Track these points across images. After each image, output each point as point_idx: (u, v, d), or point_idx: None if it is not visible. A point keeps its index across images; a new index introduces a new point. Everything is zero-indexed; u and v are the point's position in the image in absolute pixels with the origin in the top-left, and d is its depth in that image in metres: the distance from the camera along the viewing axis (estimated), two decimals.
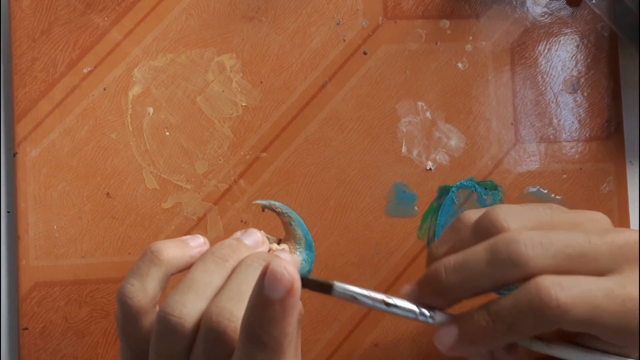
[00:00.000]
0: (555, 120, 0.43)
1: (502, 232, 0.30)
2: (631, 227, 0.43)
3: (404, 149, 0.43)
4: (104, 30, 0.43)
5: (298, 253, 0.35)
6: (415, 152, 0.43)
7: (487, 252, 0.30)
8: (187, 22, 0.43)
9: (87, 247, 0.42)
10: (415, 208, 0.43)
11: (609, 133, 0.44)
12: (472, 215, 0.33)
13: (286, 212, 0.36)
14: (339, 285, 0.30)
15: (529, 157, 0.43)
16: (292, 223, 0.36)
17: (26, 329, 0.41)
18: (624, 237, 0.30)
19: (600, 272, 0.29)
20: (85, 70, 0.43)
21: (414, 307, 0.31)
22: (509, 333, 0.29)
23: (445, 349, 0.30)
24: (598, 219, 0.32)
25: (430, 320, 0.31)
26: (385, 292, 0.42)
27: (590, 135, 0.43)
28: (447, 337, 0.30)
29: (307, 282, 0.31)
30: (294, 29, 0.43)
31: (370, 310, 0.42)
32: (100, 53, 0.43)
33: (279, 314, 0.26)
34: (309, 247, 0.35)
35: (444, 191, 0.43)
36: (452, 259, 0.31)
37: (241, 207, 0.42)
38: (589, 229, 0.31)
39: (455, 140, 0.43)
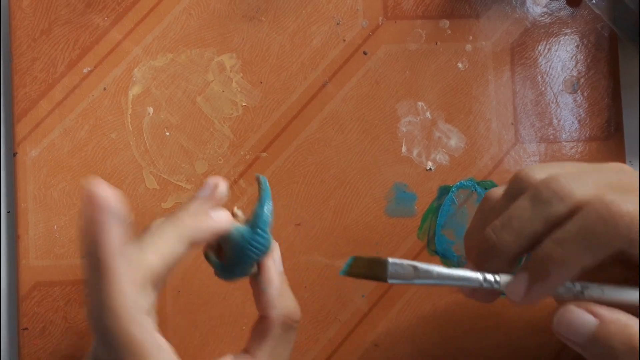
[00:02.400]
0: (555, 120, 0.43)
1: (535, 183, 0.30)
2: None
3: (404, 149, 0.43)
4: (104, 30, 0.43)
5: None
6: (415, 152, 0.43)
7: (530, 199, 0.29)
8: (187, 22, 0.43)
9: None
10: (415, 208, 0.43)
11: (608, 133, 0.44)
12: (498, 190, 0.32)
13: (263, 187, 0.35)
14: (393, 260, 0.29)
15: (529, 157, 0.43)
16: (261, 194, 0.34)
17: (26, 329, 0.41)
18: None
19: None
20: (85, 70, 0.43)
21: (478, 275, 0.29)
22: (582, 256, 0.28)
23: (520, 298, 0.29)
24: (621, 166, 0.31)
25: (496, 285, 0.29)
26: (385, 292, 0.42)
27: (590, 135, 0.44)
28: (518, 286, 0.29)
29: (357, 263, 0.31)
30: (294, 28, 0.43)
31: (370, 310, 0.42)
32: (100, 53, 0.43)
33: (91, 228, 0.27)
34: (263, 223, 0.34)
35: (444, 191, 0.43)
36: (497, 221, 0.30)
37: (241, 207, 0.42)
38: (613, 169, 0.30)
39: (455, 140, 0.43)
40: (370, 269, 0.30)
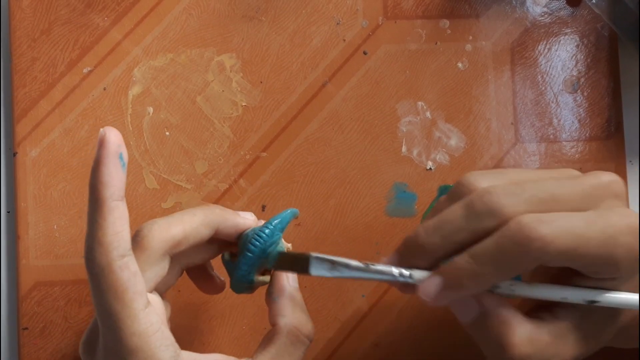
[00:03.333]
0: (555, 120, 0.43)
1: (475, 191, 0.30)
2: None
3: (404, 149, 0.43)
4: (104, 30, 0.43)
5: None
6: (415, 152, 0.43)
7: (463, 207, 0.30)
8: (187, 22, 0.43)
9: None
10: (415, 208, 0.43)
11: (609, 133, 0.44)
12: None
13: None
14: (315, 255, 0.30)
15: (529, 157, 0.43)
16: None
17: (26, 328, 0.41)
18: (597, 178, 0.30)
19: (577, 211, 0.30)
20: (85, 70, 0.43)
21: (392, 269, 0.31)
22: (493, 274, 0.29)
23: (431, 299, 0.30)
24: (571, 171, 0.32)
25: (410, 280, 0.31)
26: (386, 292, 0.42)
27: (591, 135, 0.44)
28: (431, 287, 0.30)
29: (284, 258, 0.33)
30: (293, 28, 0.43)
31: (371, 310, 0.42)
32: (100, 53, 0.43)
33: (95, 163, 0.29)
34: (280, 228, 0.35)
35: (444, 191, 0.43)
36: (430, 221, 0.31)
37: (241, 207, 0.42)
38: (560, 177, 0.31)
39: (455, 140, 0.43)
40: (294, 264, 0.32)
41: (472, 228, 0.30)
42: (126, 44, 0.43)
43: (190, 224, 0.33)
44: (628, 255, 0.29)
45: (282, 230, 0.35)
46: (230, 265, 0.35)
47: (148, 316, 0.30)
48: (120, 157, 0.30)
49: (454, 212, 0.30)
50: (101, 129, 0.30)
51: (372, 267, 0.31)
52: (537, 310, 0.32)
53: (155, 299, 0.32)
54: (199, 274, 0.37)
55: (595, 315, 0.31)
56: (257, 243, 0.34)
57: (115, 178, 0.29)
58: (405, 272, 0.31)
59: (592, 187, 0.30)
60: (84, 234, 0.41)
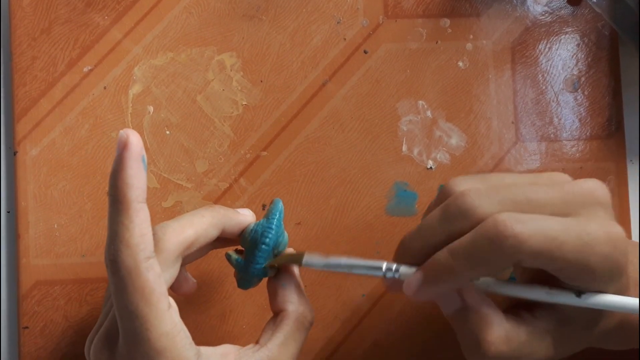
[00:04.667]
0: (555, 119, 0.43)
1: (452, 195, 0.31)
2: (632, 226, 0.43)
3: (404, 148, 0.43)
4: (104, 29, 0.43)
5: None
6: (415, 151, 0.43)
7: (440, 211, 0.31)
8: (187, 21, 0.43)
9: (88, 245, 0.42)
10: (416, 207, 0.43)
11: (609, 132, 0.44)
12: None
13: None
14: (309, 255, 0.34)
15: (530, 156, 0.43)
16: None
17: (26, 327, 0.41)
18: (578, 185, 0.30)
19: (555, 216, 0.30)
20: (85, 69, 0.43)
21: (381, 264, 0.32)
22: (468, 269, 0.29)
23: (412, 294, 0.31)
24: (557, 176, 0.32)
25: (396, 275, 0.32)
26: (386, 292, 0.42)
27: (591, 134, 0.43)
28: (412, 282, 0.31)
29: (281, 258, 0.35)
30: (294, 27, 0.43)
31: (371, 309, 0.42)
32: (100, 52, 0.43)
33: (119, 165, 0.30)
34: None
35: None
36: (414, 227, 0.32)
37: (241, 206, 0.42)
38: (542, 183, 0.31)
39: (455, 139, 0.43)
40: (289, 260, 0.35)
41: (447, 230, 0.30)
42: (126, 42, 0.43)
43: (200, 225, 0.34)
44: (603, 264, 0.29)
45: (282, 218, 0.37)
46: (240, 263, 0.36)
47: (172, 317, 0.31)
48: (143, 160, 0.31)
49: (432, 216, 0.31)
50: (121, 131, 0.30)
51: (358, 264, 0.33)
52: (518, 309, 0.32)
53: (173, 303, 0.33)
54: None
55: (574, 321, 0.31)
56: (270, 236, 0.35)
57: (140, 180, 0.30)
58: (392, 266, 0.32)
59: (573, 194, 0.30)
60: (84, 233, 0.42)
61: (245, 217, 0.36)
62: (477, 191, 0.30)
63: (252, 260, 0.35)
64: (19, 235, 0.42)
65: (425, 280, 0.31)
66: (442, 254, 0.30)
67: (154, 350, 0.30)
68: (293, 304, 0.35)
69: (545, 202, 0.30)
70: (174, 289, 0.38)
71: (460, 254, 0.29)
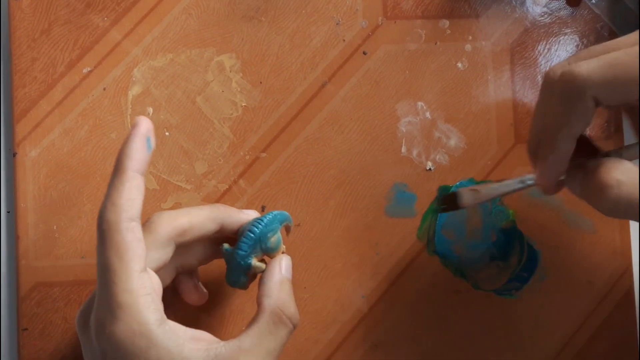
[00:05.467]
0: None
1: (555, 84, 0.32)
2: (630, 227, 0.43)
3: (403, 149, 0.43)
4: (103, 30, 0.43)
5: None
6: (415, 152, 0.43)
7: (538, 99, 0.34)
8: (186, 22, 0.43)
9: (87, 247, 0.42)
10: (415, 208, 0.43)
11: (608, 133, 0.44)
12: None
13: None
14: (461, 189, 0.38)
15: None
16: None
17: (26, 329, 0.41)
18: None
19: None
20: (85, 70, 0.43)
21: (517, 180, 0.36)
22: (561, 130, 0.32)
23: (547, 182, 0.35)
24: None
25: (531, 182, 0.36)
26: (385, 293, 0.42)
27: (590, 135, 0.43)
28: (538, 176, 0.35)
29: (443, 199, 0.39)
30: (293, 29, 0.43)
31: (370, 310, 0.42)
32: (100, 53, 0.43)
33: (125, 140, 0.33)
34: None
35: (443, 191, 0.43)
36: (536, 132, 0.34)
37: (241, 207, 0.42)
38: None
39: (455, 140, 0.43)
40: (450, 203, 0.38)
41: (544, 110, 0.33)
42: (126, 44, 0.43)
43: (196, 216, 0.36)
44: None
45: (281, 222, 0.37)
46: (227, 251, 0.36)
47: (142, 279, 0.32)
48: (148, 140, 0.33)
49: (548, 106, 0.33)
50: (136, 117, 0.34)
51: (504, 182, 0.37)
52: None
53: (154, 276, 0.34)
54: (186, 282, 0.39)
55: None
56: (259, 226, 0.36)
57: (138, 153, 0.33)
58: (527, 177, 0.36)
59: None
60: (83, 235, 0.42)
61: (248, 215, 0.37)
62: (558, 64, 0.32)
63: (237, 247, 0.36)
64: (19, 236, 0.42)
65: (542, 166, 0.34)
66: (542, 134, 0.33)
67: (115, 303, 0.31)
68: (270, 297, 0.35)
69: (620, 45, 0.31)
70: (186, 297, 0.39)
71: (551, 123, 0.32)
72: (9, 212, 0.43)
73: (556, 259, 0.43)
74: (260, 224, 0.36)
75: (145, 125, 0.33)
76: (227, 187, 0.42)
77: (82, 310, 0.34)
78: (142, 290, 0.31)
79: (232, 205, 0.42)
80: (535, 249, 0.43)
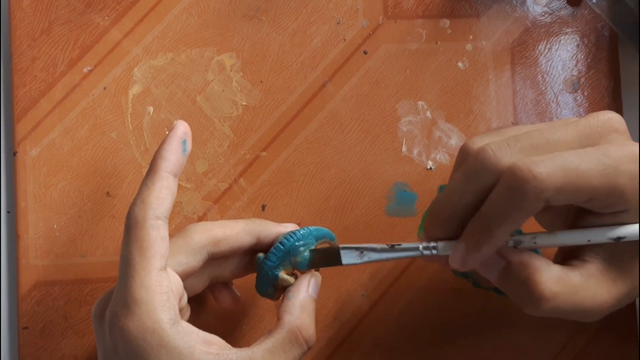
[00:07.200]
0: (555, 120, 0.43)
1: (470, 156, 0.31)
2: None
3: (404, 149, 0.43)
4: (104, 30, 0.43)
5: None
6: (415, 152, 0.43)
7: (462, 171, 0.31)
8: (187, 21, 0.43)
9: (87, 246, 0.42)
10: (416, 207, 0.43)
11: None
12: None
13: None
14: (343, 246, 0.35)
15: None
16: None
17: (26, 328, 0.41)
18: (593, 117, 0.31)
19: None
20: (85, 70, 0.43)
21: (417, 245, 0.33)
22: (501, 224, 0.30)
23: (460, 265, 0.32)
24: (571, 118, 0.33)
25: (434, 252, 0.33)
26: (386, 292, 0.42)
27: None
28: (457, 254, 0.32)
29: (316, 254, 0.36)
30: (294, 28, 0.43)
31: (371, 309, 0.42)
32: (100, 52, 0.43)
33: (162, 142, 0.34)
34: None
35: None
36: (441, 195, 0.32)
37: (241, 206, 0.42)
38: (558, 125, 0.31)
39: (455, 140, 0.43)
40: (327, 258, 0.35)
41: (474, 189, 0.30)
42: (126, 43, 0.43)
43: (232, 228, 0.36)
44: (633, 182, 0.29)
45: (316, 238, 0.37)
46: (259, 259, 0.36)
47: (160, 277, 0.32)
48: (184, 143, 0.34)
49: (456, 178, 0.31)
50: (175, 120, 0.35)
51: (397, 247, 0.33)
52: (565, 260, 0.32)
53: (174, 277, 0.34)
54: (220, 288, 0.39)
55: (625, 253, 0.31)
56: (290, 239, 0.36)
57: (172, 155, 0.34)
58: (430, 244, 0.33)
59: (589, 126, 0.30)
60: (84, 234, 0.42)
61: (285, 227, 0.37)
62: (496, 144, 0.30)
63: (266, 257, 0.36)
64: (19, 235, 0.42)
65: (468, 249, 0.31)
66: (475, 220, 0.30)
67: (131, 298, 0.31)
68: (291, 315, 0.34)
69: (564, 140, 0.30)
70: (219, 301, 0.39)
71: (492, 213, 0.30)
72: (9, 211, 0.43)
73: None
74: (292, 237, 0.36)
75: (182, 129, 0.34)
76: (228, 186, 0.42)
77: (100, 300, 0.34)
78: (159, 288, 0.31)
79: (232, 204, 0.42)
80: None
